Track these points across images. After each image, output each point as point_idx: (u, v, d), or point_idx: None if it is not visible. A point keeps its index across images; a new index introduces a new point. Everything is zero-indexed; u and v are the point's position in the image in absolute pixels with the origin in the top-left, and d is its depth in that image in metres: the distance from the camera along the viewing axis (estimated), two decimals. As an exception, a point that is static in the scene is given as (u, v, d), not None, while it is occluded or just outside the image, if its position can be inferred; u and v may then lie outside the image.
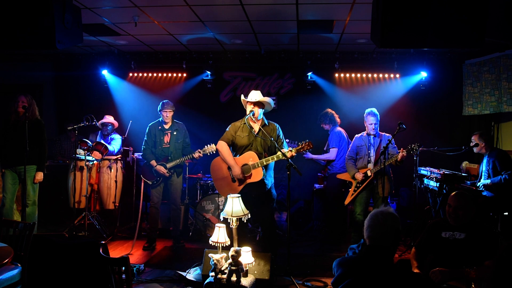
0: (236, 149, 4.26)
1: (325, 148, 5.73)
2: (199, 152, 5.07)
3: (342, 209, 5.66)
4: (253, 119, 4.20)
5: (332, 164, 5.54)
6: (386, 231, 2.08)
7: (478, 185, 4.93)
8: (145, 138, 5.25)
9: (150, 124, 5.27)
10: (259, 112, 4.20)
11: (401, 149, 4.66)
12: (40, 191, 4.95)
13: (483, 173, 4.97)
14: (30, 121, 4.67)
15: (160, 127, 5.20)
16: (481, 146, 4.93)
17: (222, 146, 4.21)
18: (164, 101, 5.22)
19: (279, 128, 4.33)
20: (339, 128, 5.63)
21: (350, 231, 5.67)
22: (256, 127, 4.22)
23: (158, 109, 5.19)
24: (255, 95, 4.21)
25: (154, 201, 5.22)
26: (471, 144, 5.01)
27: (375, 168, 4.82)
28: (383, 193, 4.50)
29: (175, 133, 5.22)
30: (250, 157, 4.11)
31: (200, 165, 6.70)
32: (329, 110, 5.72)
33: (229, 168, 4.21)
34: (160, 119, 5.21)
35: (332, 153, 5.47)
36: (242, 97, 4.33)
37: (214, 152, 5.04)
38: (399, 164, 4.70)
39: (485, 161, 4.96)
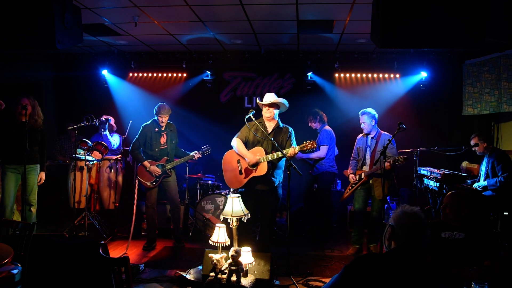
0: (248, 145, 4.40)
1: None
2: (198, 153, 5.17)
3: (330, 208, 5.79)
4: (268, 118, 4.35)
5: (321, 162, 5.51)
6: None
7: (474, 186, 4.94)
8: (136, 137, 5.16)
9: (144, 125, 5.20)
10: (274, 112, 4.34)
11: (389, 160, 4.66)
12: (40, 191, 4.97)
13: (482, 173, 4.97)
14: (33, 122, 4.70)
15: (156, 129, 5.16)
16: (482, 146, 4.91)
17: (236, 141, 4.40)
18: (161, 104, 5.12)
19: (292, 131, 4.44)
20: (328, 127, 5.63)
21: (350, 231, 5.69)
22: (270, 127, 4.37)
23: (154, 111, 5.11)
24: (269, 97, 4.34)
25: (151, 201, 5.19)
26: (472, 146, 4.98)
27: (370, 170, 4.85)
28: (383, 195, 4.49)
29: (170, 133, 5.22)
30: (257, 151, 4.24)
31: (200, 165, 6.70)
32: (317, 110, 5.74)
33: (238, 161, 4.36)
34: (156, 118, 5.13)
35: (322, 151, 5.45)
36: (257, 99, 4.50)
37: (210, 152, 5.29)
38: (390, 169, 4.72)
39: (485, 161, 4.95)
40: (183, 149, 5.41)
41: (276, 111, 4.36)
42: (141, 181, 5.13)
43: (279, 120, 4.43)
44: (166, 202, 5.62)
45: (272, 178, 4.28)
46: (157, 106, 5.12)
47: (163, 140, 5.20)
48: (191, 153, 5.23)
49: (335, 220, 6.40)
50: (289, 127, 4.46)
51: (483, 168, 4.97)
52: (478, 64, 6.21)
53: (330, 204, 5.84)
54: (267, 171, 4.17)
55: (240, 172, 4.34)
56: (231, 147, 4.42)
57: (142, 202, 5.77)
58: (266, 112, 4.33)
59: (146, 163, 5.08)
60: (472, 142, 4.99)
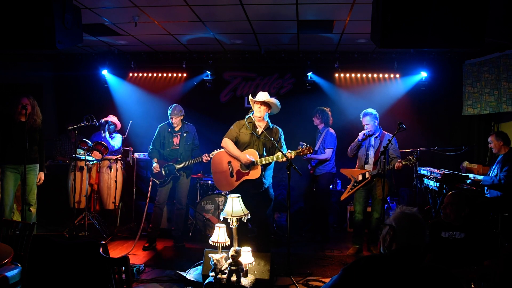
0: (238, 146, 4.32)
1: (316, 148, 5.64)
2: (207, 156, 5.11)
3: (330, 208, 5.83)
4: (259, 118, 4.27)
5: (324, 164, 5.52)
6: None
7: (470, 176, 4.93)
8: (153, 138, 5.28)
9: (160, 125, 5.28)
10: (264, 112, 4.28)
11: (399, 160, 4.68)
12: (40, 191, 4.97)
13: (491, 171, 4.88)
14: (32, 121, 4.70)
15: (169, 129, 5.20)
16: (498, 144, 4.77)
17: (227, 142, 4.32)
18: (173, 105, 5.18)
19: (282, 132, 4.41)
20: (332, 130, 5.61)
21: (350, 231, 5.69)
22: (261, 128, 4.29)
23: (168, 112, 5.17)
24: (262, 95, 4.29)
25: (160, 201, 5.22)
26: (489, 145, 4.88)
27: (374, 170, 4.84)
28: (383, 195, 4.50)
29: (185, 135, 5.23)
30: (251, 154, 4.19)
31: (200, 165, 6.69)
32: (328, 109, 5.70)
33: (229, 163, 4.29)
34: (170, 121, 5.19)
35: (328, 153, 5.48)
36: (250, 96, 4.40)
37: None
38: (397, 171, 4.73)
39: (498, 160, 4.81)
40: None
41: (267, 112, 4.31)
42: (153, 179, 5.23)
43: (269, 121, 4.39)
44: (169, 202, 5.62)
45: (263, 180, 4.25)
46: (170, 107, 5.17)
47: (176, 140, 5.22)
48: (201, 156, 5.21)
49: (335, 220, 6.40)
50: (278, 128, 4.42)
51: (494, 167, 4.85)
52: (478, 64, 6.20)
53: (330, 204, 5.84)
54: (260, 174, 4.14)
55: (231, 175, 4.27)
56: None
57: (142, 202, 5.76)
58: (257, 112, 4.25)
59: (154, 159, 5.18)
60: (489, 140, 4.90)
